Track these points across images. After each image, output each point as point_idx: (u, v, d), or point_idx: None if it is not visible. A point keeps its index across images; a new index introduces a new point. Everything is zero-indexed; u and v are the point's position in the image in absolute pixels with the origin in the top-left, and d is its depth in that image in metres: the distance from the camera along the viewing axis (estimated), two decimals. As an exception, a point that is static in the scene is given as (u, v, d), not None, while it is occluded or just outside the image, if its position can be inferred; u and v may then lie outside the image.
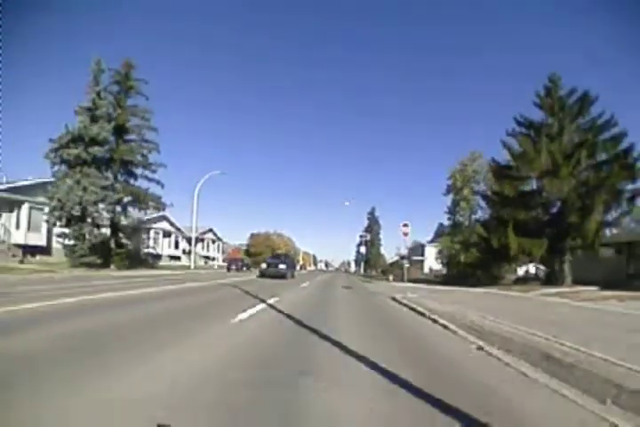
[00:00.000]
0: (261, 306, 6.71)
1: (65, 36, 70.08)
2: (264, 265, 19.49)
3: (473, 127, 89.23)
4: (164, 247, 39.46)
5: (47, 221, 17.97)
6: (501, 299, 10.88)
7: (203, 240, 47.51)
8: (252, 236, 64.95)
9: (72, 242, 17.03)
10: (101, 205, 17.14)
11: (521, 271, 28.55)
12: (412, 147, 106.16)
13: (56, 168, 16.72)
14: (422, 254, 47.83)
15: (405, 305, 8.28)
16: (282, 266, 18.96)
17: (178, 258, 42.36)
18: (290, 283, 16.06)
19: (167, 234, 40.28)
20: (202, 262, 44.76)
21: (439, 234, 36.92)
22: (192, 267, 28.03)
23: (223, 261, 51.19)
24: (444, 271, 29.78)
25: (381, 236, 67.06)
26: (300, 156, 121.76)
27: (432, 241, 43.73)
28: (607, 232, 17.83)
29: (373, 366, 3.00)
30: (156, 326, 4.40)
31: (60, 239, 17.61)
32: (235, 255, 48.85)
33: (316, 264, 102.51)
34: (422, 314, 6.64)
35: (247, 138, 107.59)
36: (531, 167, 16.47)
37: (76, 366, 2.56)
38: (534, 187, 17.53)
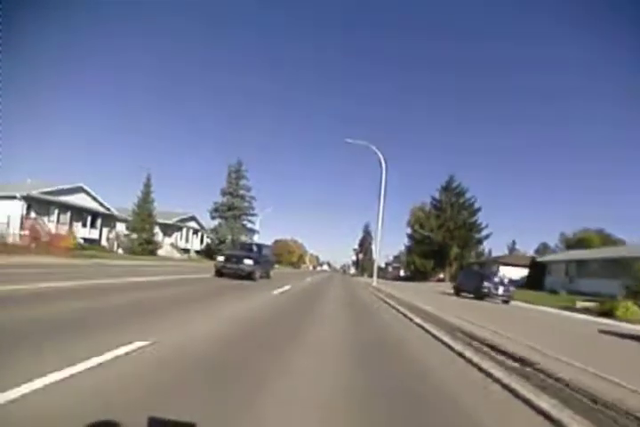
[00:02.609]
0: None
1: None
2: (221, 259, 13.20)
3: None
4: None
5: (210, 241, 37.52)
6: (415, 285, 30.29)
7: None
8: (276, 241, 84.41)
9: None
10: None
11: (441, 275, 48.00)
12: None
13: (216, 217, 36.52)
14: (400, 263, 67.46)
15: (366, 283, 27.70)
16: (247, 261, 12.79)
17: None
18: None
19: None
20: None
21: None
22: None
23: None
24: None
25: (373, 246, 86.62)
26: (309, 164, 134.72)
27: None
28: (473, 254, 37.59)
29: (342, 300, 22.46)
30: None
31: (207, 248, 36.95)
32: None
33: (321, 265, 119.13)
34: (369, 284, 26.09)
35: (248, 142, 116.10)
36: (428, 226, 36.22)
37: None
38: (428, 234, 37.23)
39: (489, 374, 3.04)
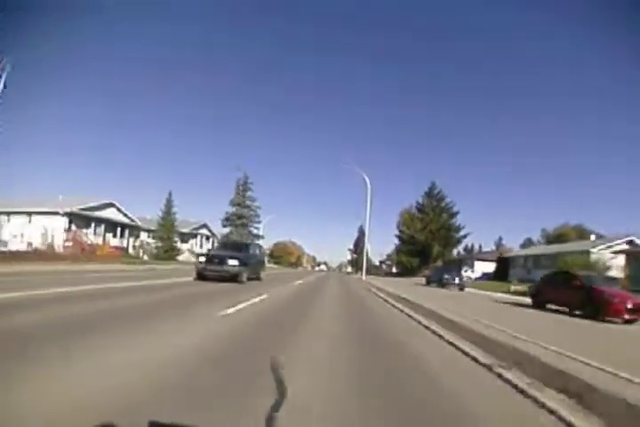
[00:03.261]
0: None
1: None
2: (202, 259, 11.67)
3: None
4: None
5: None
6: (399, 279, 35.31)
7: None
8: (275, 244, 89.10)
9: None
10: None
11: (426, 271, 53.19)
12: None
13: (227, 225, 41.38)
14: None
15: (358, 279, 32.70)
16: (231, 262, 11.33)
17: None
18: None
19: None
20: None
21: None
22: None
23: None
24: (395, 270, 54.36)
25: (368, 247, 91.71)
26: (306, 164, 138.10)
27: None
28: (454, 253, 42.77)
29: (338, 290, 27.45)
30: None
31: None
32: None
33: (319, 265, 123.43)
34: (360, 279, 31.08)
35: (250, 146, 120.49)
36: (413, 228, 41.31)
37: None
38: (413, 235, 42.33)
39: (419, 322, 7.93)
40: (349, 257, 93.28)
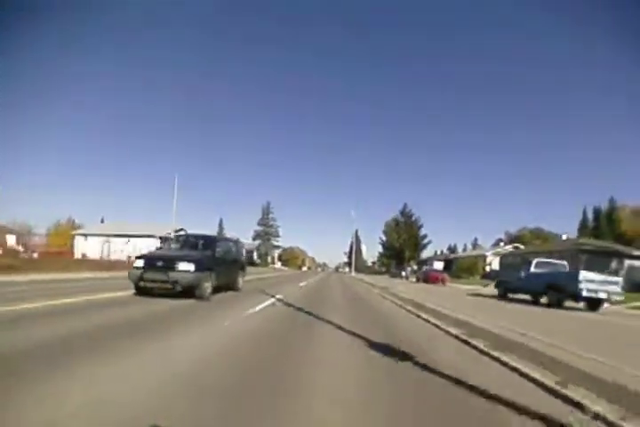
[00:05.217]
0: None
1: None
2: (139, 263, 7.56)
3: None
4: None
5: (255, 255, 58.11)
6: (380, 276, 51.09)
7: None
8: (285, 249, 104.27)
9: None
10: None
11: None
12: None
13: (257, 238, 56.85)
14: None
15: (349, 276, 48.41)
16: (183, 266, 7.34)
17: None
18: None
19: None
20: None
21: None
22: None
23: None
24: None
25: (363, 248, 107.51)
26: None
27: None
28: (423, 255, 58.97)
29: (340, 286, 43.14)
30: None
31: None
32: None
33: (319, 266, 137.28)
34: (351, 276, 46.79)
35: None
36: (390, 237, 57.39)
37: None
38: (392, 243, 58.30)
39: (374, 291, 23.62)
40: (346, 259, 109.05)
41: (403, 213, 59.56)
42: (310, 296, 11.36)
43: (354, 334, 4.87)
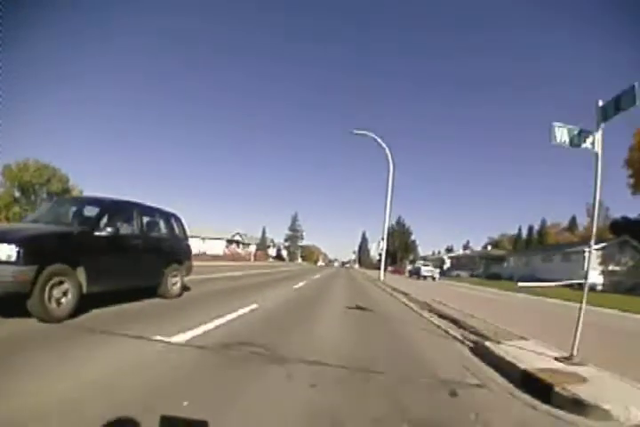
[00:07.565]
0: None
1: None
2: None
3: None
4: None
5: (285, 252, 78.87)
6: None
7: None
8: (302, 247, 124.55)
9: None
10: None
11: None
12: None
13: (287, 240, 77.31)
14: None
15: (355, 270, 68.05)
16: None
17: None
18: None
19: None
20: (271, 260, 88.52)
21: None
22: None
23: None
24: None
25: (369, 247, 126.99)
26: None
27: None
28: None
29: (346, 273, 62.70)
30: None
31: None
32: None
33: (331, 262, 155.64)
34: (357, 270, 66.46)
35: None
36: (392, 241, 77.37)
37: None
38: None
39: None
40: (354, 256, 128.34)
41: (398, 222, 79.01)
42: (332, 273, 31.05)
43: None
